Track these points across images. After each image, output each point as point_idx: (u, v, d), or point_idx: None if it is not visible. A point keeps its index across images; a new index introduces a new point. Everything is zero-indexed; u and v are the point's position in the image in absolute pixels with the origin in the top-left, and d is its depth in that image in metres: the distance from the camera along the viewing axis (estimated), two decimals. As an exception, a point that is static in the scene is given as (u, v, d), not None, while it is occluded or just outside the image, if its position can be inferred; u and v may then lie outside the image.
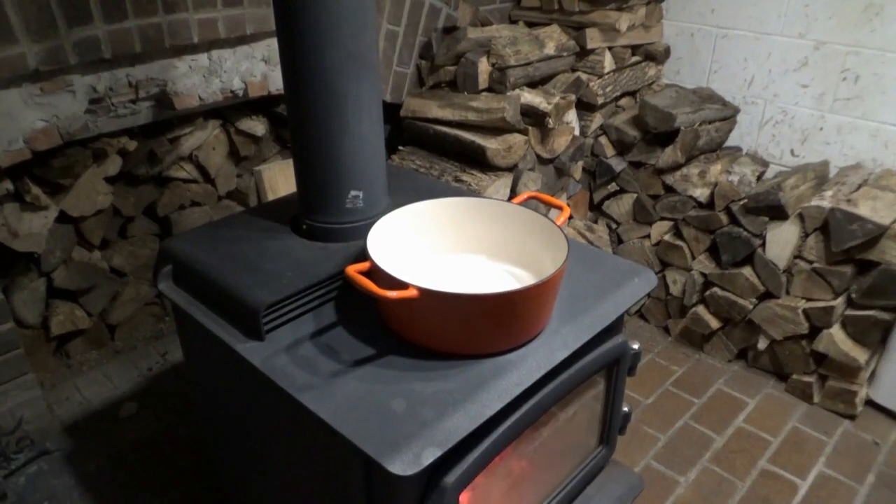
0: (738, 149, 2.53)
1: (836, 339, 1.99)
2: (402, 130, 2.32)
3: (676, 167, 2.35)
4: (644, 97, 2.44)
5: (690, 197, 2.30)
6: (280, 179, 2.26)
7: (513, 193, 2.17)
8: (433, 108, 2.21)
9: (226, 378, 1.26)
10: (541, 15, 2.49)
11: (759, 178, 2.33)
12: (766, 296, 2.15)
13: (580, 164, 2.52)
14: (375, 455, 0.85)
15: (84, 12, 1.58)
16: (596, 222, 2.65)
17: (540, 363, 1.03)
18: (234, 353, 1.06)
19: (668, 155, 2.34)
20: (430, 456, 0.86)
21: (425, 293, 0.95)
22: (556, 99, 2.17)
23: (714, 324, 2.29)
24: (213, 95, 1.94)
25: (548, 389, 1.09)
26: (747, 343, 2.26)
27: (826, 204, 2.00)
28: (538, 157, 2.27)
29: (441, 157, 2.21)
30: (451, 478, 0.95)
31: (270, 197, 2.22)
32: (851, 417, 2.06)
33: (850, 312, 2.01)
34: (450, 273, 1.20)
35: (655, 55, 2.62)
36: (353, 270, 0.97)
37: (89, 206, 1.89)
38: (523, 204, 1.20)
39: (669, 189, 2.36)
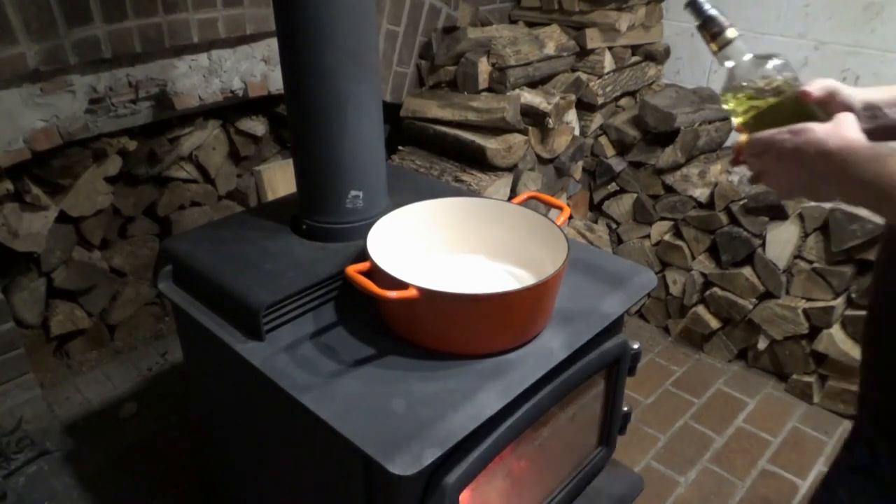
0: (738, 149, 2.53)
1: (836, 339, 1.99)
2: (402, 130, 2.32)
3: (676, 167, 2.35)
4: (644, 97, 2.44)
5: (690, 197, 2.30)
6: (280, 179, 2.25)
7: (513, 193, 2.17)
8: (433, 108, 2.21)
9: (226, 378, 1.26)
10: (541, 15, 2.49)
11: (759, 178, 2.32)
12: (766, 296, 2.15)
13: (580, 164, 2.52)
14: (375, 455, 0.85)
15: (84, 12, 1.58)
16: (596, 222, 2.65)
17: (540, 363, 1.03)
18: (234, 353, 1.06)
19: (668, 155, 2.34)
20: (430, 456, 0.86)
21: (425, 293, 0.95)
22: (556, 99, 2.17)
23: (714, 324, 2.29)
24: (213, 95, 1.94)
25: (548, 389, 1.09)
26: (747, 343, 2.26)
27: (826, 204, 2.00)
28: (538, 157, 2.27)
29: (441, 157, 2.21)
30: (451, 478, 0.95)
31: (270, 197, 2.22)
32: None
33: (850, 312, 2.01)
34: (450, 273, 1.20)
35: (655, 55, 2.62)
36: (353, 270, 0.97)
37: (89, 206, 1.89)
38: (523, 204, 1.20)
39: (669, 189, 2.36)
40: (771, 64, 0.85)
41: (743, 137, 0.85)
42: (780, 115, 0.82)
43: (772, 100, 0.83)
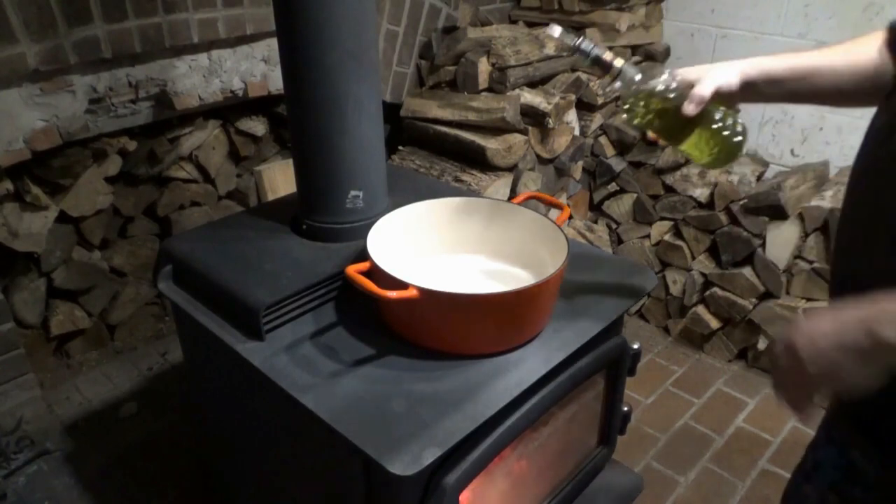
0: (738, 149, 2.53)
1: (836, 339, 1.99)
2: (402, 130, 2.32)
3: (676, 167, 2.35)
4: (644, 97, 2.44)
5: (690, 197, 2.30)
6: (280, 179, 2.25)
7: (513, 193, 2.17)
8: (433, 108, 2.21)
9: (226, 378, 1.26)
10: (541, 15, 2.49)
11: (759, 178, 2.33)
12: (766, 296, 2.15)
13: (580, 164, 2.52)
14: (375, 455, 0.85)
15: (84, 12, 1.58)
16: (596, 222, 2.65)
17: (540, 363, 1.03)
18: (234, 353, 1.06)
19: (668, 155, 2.34)
20: (430, 456, 0.86)
21: (425, 293, 0.95)
22: (556, 99, 2.17)
23: (714, 324, 2.29)
24: (213, 95, 1.94)
25: (548, 389, 1.09)
26: (747, 343, 2.26)
27: (826, 204, 2.00)
28: (538, 157, 2.27)
29: (441, 157, 2.21)
30: (451, 478, 0.95)
31: (270, 197, 2.22)
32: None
33: (850, 312, 2.01)
34: (450, 273, 1.20)
35: (655, 55, 2.61)
36: (353, 270, 0.97)
37: (89, 206, 1.89)
38: (523, 204, 1.20)
39: (669, 189, 2.36)
40: (656, 82, 0.96)
41: (651, 135, 1.00)
42: (675, 120, 0.95)
43: (667, 106, 0.95)
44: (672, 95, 0.94)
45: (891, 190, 0.71)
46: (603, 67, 0.98)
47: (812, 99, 0.94)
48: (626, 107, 0.99)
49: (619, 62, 0.98)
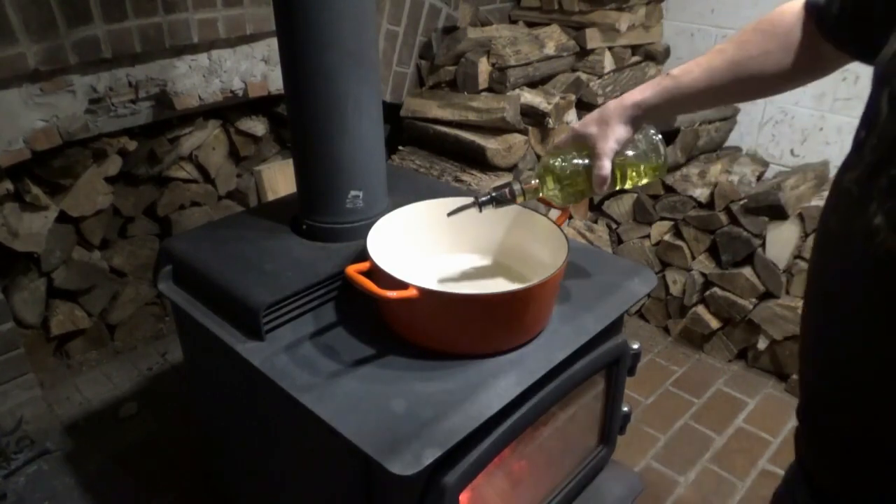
0: (738, 149, 2.53)
1: (836, 339, 1.99)
2: (402, 130, 2.32)
3: (676, 167, 2.35)
4: (644, 97, 2.44)
5: (690, 197, 2.30)
6: (280, 179, 2.26)
7: (513, 193, 2.17)
8: (433, 108, 2.21)
9: (226, 378, 1.26)
10: (541, 15, 2.49)
11: (759, 178, 2.33)
12: (766, 296, 2.15)
13: (580, 164, 2.52)
14: (375, 455, 0.85)
15: (84, 12, 1.58)
16: (596, 222, 2.64)
17: (540, 363, 1.03)
18: (234, 353, 1.06)
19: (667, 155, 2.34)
20: (430, 456, 0.86)
21: (425, 293, 0.95)
22: (556, 99, 2.17)
23: (714, 324, 2.29)
24: (213, 95, 1.94)
25: (548, 389, 1.09)
26: (747, 343, 2.26)
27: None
28: (538, 157, 2.27)
29: (441, 157, 2.21)
30: (451, 478, 0.95)
31: (270, 197, 2.23)
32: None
33: (850, 312, 2.01)
34: (450, 273, 1.20)
35: (655, 55, 2.62)
36: (353, 270, 0.97)
37: (89, 206, 1.89)
38: (523, 204, 1.20)
39: (669, 189, 2.36)
40: (560, 163, 1.01)
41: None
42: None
43: (582, 176, 1.00)
44: (581, 170, 1.00)
45: (867, 265, 0.63)
46: (508, 200, 1.03)
47: (703, 109, 1.02)
48: (558, 202, 1.05)
49: (516, 185, 1.03)
